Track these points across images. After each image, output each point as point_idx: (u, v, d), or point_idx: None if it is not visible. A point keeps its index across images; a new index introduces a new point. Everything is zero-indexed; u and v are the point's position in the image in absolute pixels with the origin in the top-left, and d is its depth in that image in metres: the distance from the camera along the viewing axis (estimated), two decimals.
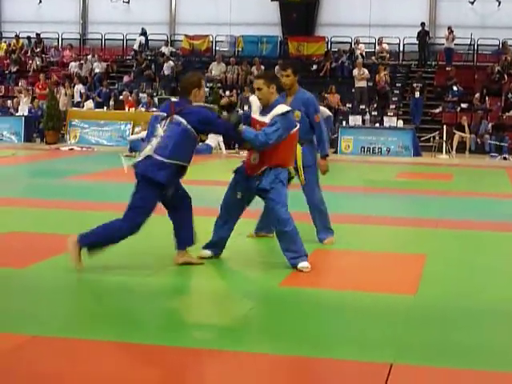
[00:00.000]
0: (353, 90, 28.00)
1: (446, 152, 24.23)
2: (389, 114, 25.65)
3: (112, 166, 17.89)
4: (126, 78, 30.25)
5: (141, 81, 29.98)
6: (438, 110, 27.54)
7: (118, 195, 12.62)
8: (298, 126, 7.75)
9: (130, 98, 26.64)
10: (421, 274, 7.57)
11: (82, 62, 31.38)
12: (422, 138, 24.93)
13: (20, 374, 4.73)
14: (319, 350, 5.28)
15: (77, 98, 28.05)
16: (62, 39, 34.56)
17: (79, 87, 28.42)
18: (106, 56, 32.87)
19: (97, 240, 7.24)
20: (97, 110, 26.53)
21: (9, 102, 28.20)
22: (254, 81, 7.80)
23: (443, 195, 14.08)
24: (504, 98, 27.13)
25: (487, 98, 27.36)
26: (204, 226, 8.02)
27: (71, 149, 23.14)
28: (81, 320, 5.89)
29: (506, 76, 27.95)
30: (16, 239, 8.94)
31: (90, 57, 31.76)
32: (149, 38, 33.12)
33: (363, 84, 27.74)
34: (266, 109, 7.59)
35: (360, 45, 30.68)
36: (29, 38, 34.04)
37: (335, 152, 24.08)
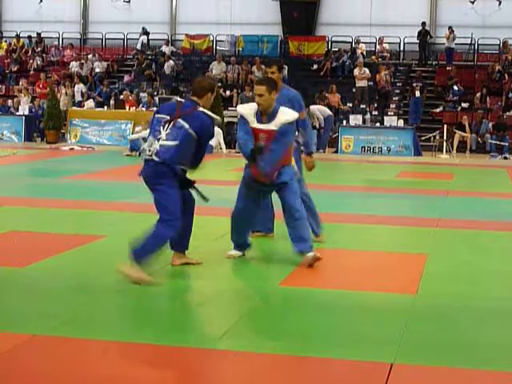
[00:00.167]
0: (353, 90, 28.01)
1: (446, 151, 24.22)
2: (389, 113, 25.64)
3: (112, 166, 17.91)
4: (126, 78, 30.27)
5: (141, 80, 29.98)
6: (438, 110, 27.55)
7: (119, 195, 12.66)
8: None
9: (130, 97, 26.63)
10: (421, 273, 7.56)
11: (82, 61, 31.39)
12: (423, 138, 24.93)
13: (20, 374, 4.72)
14: (319, 349, 5.27)
15: (77, 98, 28.04)
16: (62, 38, 34.57)
17: (80, 87, 28.41)
18: (106, 55, 32.87)
19: (151, 253, 7.00)
20: (97, 109, 26.52)
21: (9, 101, 28.19)
22: (255, 86, 7.72)
23: (444, 195, 14.06)
24: (504, 98, 27.13)
25: (488, 98, 27.35)
26: (204, 226, 8.01)
27: (72, 148, 23.13)
28: (81, 319, 5.88)
29: (506, 75, 27.96)
30: (16, 238, 8.93)
31: (90, 56, 31.78)
32: (149, 37, 33.12)
33: (364, 83, 27.76)
34: (266, 115, 7.58)
35: (360, 44, 30.70)
36: (29, 37, 34.05)
37: (336, 151, 24.09)
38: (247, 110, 7.76)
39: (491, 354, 5.29)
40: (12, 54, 33.17)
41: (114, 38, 33.77)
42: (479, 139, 25.34)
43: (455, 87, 27.81)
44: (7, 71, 32.44)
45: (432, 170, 20.07)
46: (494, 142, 24.89)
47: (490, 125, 25.57)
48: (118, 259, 7.82)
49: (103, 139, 25.00)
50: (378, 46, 31.01)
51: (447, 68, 29.33)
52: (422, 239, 9.73)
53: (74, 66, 31.10)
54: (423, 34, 30.06)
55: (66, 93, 27.57)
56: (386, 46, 30.90)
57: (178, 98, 7.49)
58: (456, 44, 29.93)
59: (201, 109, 7.12)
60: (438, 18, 32.82)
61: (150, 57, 31.86)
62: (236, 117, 23.59)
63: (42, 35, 34.01)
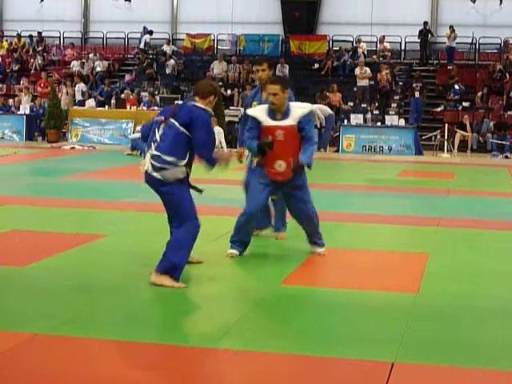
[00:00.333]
0: (354, 89, 27.99)
1: (447, 151, 24.21)
2: (390, 112, 25.63)
3: (113, 165, 17.91)
4: (127, 77, 30.26)
5: (142, 79, 29.98)
6: (439, 109, 27.54)
7: (120, 194, 12.66)
8: None
9: (131, 96, 26.63)
10: (422, 272, 7.56)
11: (83, 60, 31.39)
12: (424, 137, 24.91)
13: (21, 373, 4.73)
14: (320, 348, 5.27)
15: (78, 97, 28.04)
16: (63, 38, 34.57)
17: (80, 86, 28.41)
18: (107, 55, 32.85)
19: (175, 261, 6.86)
20: (98, 108, 26.51)
21: (10, 100, 28.19)
22: (269, 86, 7.75)
23: (445, 194, 14.06)
24: (506, 97, 27.12)
25: (489, 97, 27.35)
26: (205, 225, 7.99)
27: (73, 147, 23.12)
28: (81, 319, 5.89)
29: (507, 75, 27.94)
30: (17, 238, 8.93)
31: (91, 55, 31.78)
32: (144, 36, 33.10)
33: (365, 83, 27.74)
34: (280, 112, 7.64)
35: (362, 43, 30.68)
36: (30, 36, 34.05)
37: (337, 151, 24.08)
38: (258, 111, 7.81)
39: (492, 353, 5.29)
40: (13, 54, 33.17)
41: (115, 38, 33.77)
42: (480, 138, 25.32)
43: (456, 86, 27.80)
44: (8, 70, 32.45)
45: (433, 169, 20.05)
46: (495, 141, 24.88)
47: (491, 124, 25.56)
48: (118, 258, 7.84)
49: (104, 138, 24.99)
50: (379, 45, 31.00)
51: (448, 67, 29.31)
52: (423, 238, 9.73)
53: (75, 66, 31.09)
54: (424, 33, 30.05)
55: (67, 92, 27.57)
56: (387, 45, 30.88)
57: (178, 102, 7.46)
58: (457, 43, 29.91)
59: (192, 103, 7.03)
60: (439, 17, 32.81)
61: (151, 56, 31.85)
62: (237, 116, 23.63)
63: (43, 34, 34.01)
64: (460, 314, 6.26)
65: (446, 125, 24.73)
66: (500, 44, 30.37)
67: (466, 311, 6.35)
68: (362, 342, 5.44)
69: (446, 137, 24.38)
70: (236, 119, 23.41)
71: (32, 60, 32.55)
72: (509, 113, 26.18)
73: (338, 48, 31.07)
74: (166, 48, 31.82)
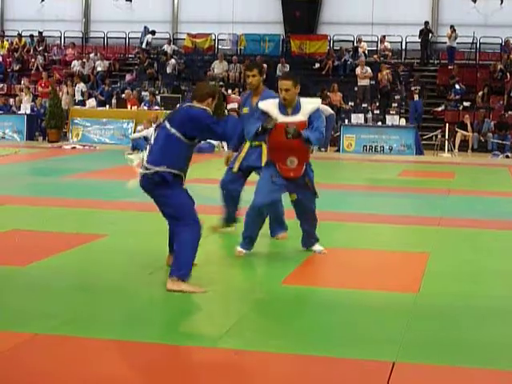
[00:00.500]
0: (355, 89, 27.99)
1: (448, 150, 24.21)
2: (391, 112, 25.62)
3: (114, 165, 17.90)
4: (128, 77, 30.26)
5: (143, 79, 29.98)
6: (440, 109, 27.53)
7: (120, 193, 12.64)
8: None
9: (132, 96, 26.63)
10: (423, 272, 7.56)
11: (84, 60, 31.40)
12: (425, 137, 24.91)
13: (21, 372, 4.72)
14: (321, 348, 5.27)
15: (78, 97, 28.04)
16: (64, 37, 34.57)
17: (80, 86, 28.41)
18: (108, 54, 32.86)
19: (188, 262, 6.78)
20: (99, 108, 26.53)
21: (11, 100, 28.19)
22: (281, 81, 7.74)
23: (445, 193, 14.05)
24: (506, 97, 27.11)
25: (490, 97, 27.34)
26: (206, 225, 7.99)
27: (73, 147, 23.13)
28: (82, 319, 5.88)
29: (508, 74, 27.94)
30: (17, 237, 8.93)
31: (92, 55, 31.79)
32: (146, 36, 33.12)
33: (366, 82, 27.75)
34: (289, 108, 7.69)
35: (362, 43, 30.68)
36: (31, 36, 34.05)
37: (337, 150, 24.08)
38: (269, 105, 7.79)
39: (493, 352, 5.29)
40: (14, 53, 33.18)
41: (116, 37, 33.78)
42: (481, 138, 25.32)
43: (457, 86, 27.79)
44: (9, 70, 32.46)
45: (434, 168, 20.06)
46: (495, 140, 24.88)
47: (492, 124, 25.55)
48: (119, 258, 7.84)
49: (105, 138, 25.00)
50: (379, 45, 30.99)
51: (449, 67, 29.30)
52: (423, 238, 9.73)
53: (75, 65, 31.10)
54: (425, 33, 30.04)
55: (68, 92, 27.58)
56: (387, 44, 30.88)
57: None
58: (458, 43, 29.91)
59: (188, 104, 6.96)
60: (439, 16, 32.80)
61: (152, 56, 31.86)
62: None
63: (44, 34, 34.01)
64: (461, 314, 6.26)
65: (447, 124, 24.74)
66: (501, 44, 30.36)
67: (467, 311, 6.35)
68: (362, 341, 5.44)
69: (446, 136, 24.38)
70: None
71: (33, 60, 32.55)
72: (509, 112, 26.17)
73: (338, 48, 31.08)
74: (167, 48, 31.83)
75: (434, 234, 9.86)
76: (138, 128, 22.79)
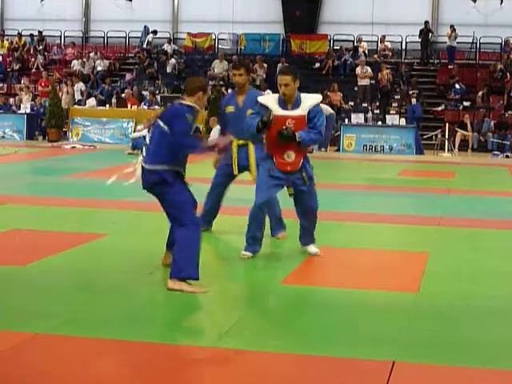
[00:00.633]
0: (355, 88, 27.98)
1: (448, 150, 24.21)
2: (391, 112, 25.63)
3: (114, 164, 17.89)
4: (128, 76, 30.26)
5: (143, 78, 29.97)
6: (440, 108, 27.53)
7: (121, 193, 12.64)
8: None
9: (132, 94, 26.62)
10: (423, 272, 7.56)
11: (84, 59, 31.39)
12: (425, 136, 24.91)
13: (21, 372, 4.73)
14: (321, 348, 5.27)
15: (77, 97, 28.03)
16: (64, 37, 34.56)
17: (79, 85, 28.41)
18: (108, 54, 32.85)
19: (187, 263, 6.68)
20: (99, 107, 26.53)
21: (11, 99, 28.20)
22: (281, 77, 7.76)
23: (445, 193, 14.06)
24: (506, 97, 27.10)
25: (490, 97, 27.33)
26: None
27: (73, 147, 23.13)
28: (82, 318, 5.89)
29: (508, 74, 27.94)
30: (17, 237, 8.93)
31: (92, 54, 31.78)
32: (148, 35, 33.12)
33: (366, 82, 27.74)
34: (289, 102, 7.68)
35: (362, 43, 30.67)
36: (31, 35, 34.05)
37: (337, 150, 24.08)
38: (269, 99, 7.86)
39: (492, 352, 5.29)
40: (14, 53, 33.17)
41: (116, 37, 33.78)
42: (481, 138, 25.32)
43: (457, 86, 27.79)
44: (9, 69, 32.45)
45: (434, 168, 20.06)
46: (495, 140, 24.88)
47: (492, 123, 25.56)
48: (119, 257, 7.84)
49: (105, 137, 25.00)
50: (379, 45, 30.98)
51: (449, 67, 29.30)
52: (423, 238, 9.73)
53: (75, 65, 31.10)
54: (425, 33, 30.03)
55: (68, 91, 27.58)
56: (387, 44, 30.87)
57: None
58: (458, 43, 29.91)
59: (178, 101, 7.02)
60: (439, 16, 32.80)
61: (152, 55, 31.85)
62: None
63: (44, 33, 34.01)
64: (460, 314, 6.26)
65: (447, 124, 24.74)
66: (501, 43, 30.36)
67: (467, 311, 6.36)
68: (362, 341, 5.44)
69: (446, 136, 24.38)
70: None
71: (33, 59, 32.55)
72: (509, 112, 26.18)
73: (338, 47, 31.07)
74: (167, 47, 31.82)
75: (433, 234, 9.86)
76: (138, 127, 22.78)
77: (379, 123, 24.75)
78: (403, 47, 31.58)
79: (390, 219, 10.93)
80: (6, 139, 25.19)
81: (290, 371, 4.94)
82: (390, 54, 30.79)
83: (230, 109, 8.90)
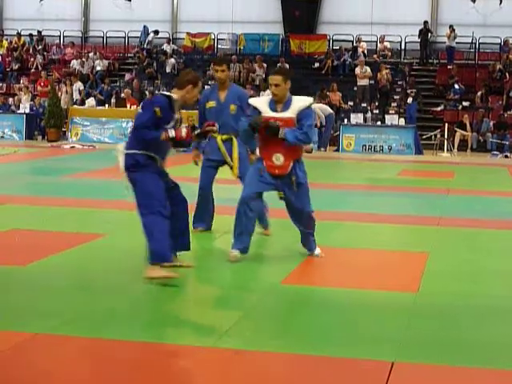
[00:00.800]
0: (354, 88, 27.99)
1: (447, 150, 24.22)
2: (390, 112, 25.63)
3: (113, 164, 17.89)
4: (127, 76, 30.26)
5: (142, 78, 29.97)
6: (439, 108, 27.54)
7: (120, 193, 12.65)
8: None
9: (131, 95, 26.62)
10: (423, 271, 7.56)
11: (83, 59, 31.39)
12: (424, 136, 24.92)
13: (21, 372, 4.72)
14: (320, 347, 5.27)
15: (76, 96, 28.03)
16: (63, 37, 34.57)
17: (78, 85, 28.40)
18: (107, 54, 32.86)
19: (157, 249, 6.82)
20: (98, 107, 26.52)
21: (10, 99, 28.20)
22: (271, 77, 7.73)
23: (445, 193, 14.06)
24: (505, 97, 27.12)
25: (489, 97, 27.34)
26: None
27: (72, 147, 23.13)
28: (82, 318, 5.89)
29: (507, 74, 27.96)
30: (17, 237, 8.93)
31: (91, 54, 31.78)
32: (151, 35, 33.13)
33: (365, 82, 27.75)
34: (279, 104, 7.61)
35: (362, 43, 30.69)
36: (30, 35, 34.05)
37: (337, 150, 24.08)
38: (259, 101, 7.85)
39: (492, 352, 5.29)
40: (13, 53, 33.18)
41: (115, 37, 33.79)
42: (480, 138, 25.34)
43: (456, 86, 27.80)
44: (8, 69, 32.45)
45: (433, 168, 20.06)
46: (494, 140, 24.90)
47: (491, 123, 25.57)
48: (119, 257, 7.84)
49: (104, 137, 24.99)
50: (379, 45, 31.00)
51: (448, 67, 29.32)
52: (423, 238, 9.73)
53: (75, 65, 31.10)
54: (424, 33, 30.04)
55: (67, 91, 27.58)
56: (387, 44, 30.89)
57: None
58: (457, 43, 29.93)
59: (160, 92, 7.17)
60: (439, 16, 32.82)
61: (152, 55, 31.85)
62: None
63: (43, 33, 34.02)
64: (460, 314, 6.26)
65: (446, 124, 24.75)
66: (500, 44, 30.39)
67: (466, 310, 6.36)
68: (361, 341, 5.44)
69: (445, 136, 24.39)
70: None
71: (32, 59, 32.56)
72: (508, 112, 26.21)
73: (338, 47, 31.08)
74: (167, 47, 31.83)
75: (433, 234, 9.86)
76: None
77: (378, 123, 24.75)
78: (402, 47, 31.60)
79: (390, 219, 10.93)
80: (5, 139, 25.19)
81: (290, 371, 4.94)
82: (390, 54, 30.80)
83: (212, 104, 9.02)
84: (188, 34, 32.78)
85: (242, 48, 32.12)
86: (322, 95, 25.81)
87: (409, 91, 27.04)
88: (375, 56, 30.30)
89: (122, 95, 27.06)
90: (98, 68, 30.93)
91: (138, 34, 33.21)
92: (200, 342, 5.34)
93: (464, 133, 25.02)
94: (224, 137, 8.89)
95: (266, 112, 7.61)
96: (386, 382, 4.65)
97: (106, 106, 26.61)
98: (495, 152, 24.24)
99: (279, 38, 32.33)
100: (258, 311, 6.31)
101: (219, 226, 9.30)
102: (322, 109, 23.94)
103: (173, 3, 35.25)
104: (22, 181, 14.73)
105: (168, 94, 7.01)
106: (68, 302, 6.36)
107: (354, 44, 31.19)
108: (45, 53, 33.12)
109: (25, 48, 33.56)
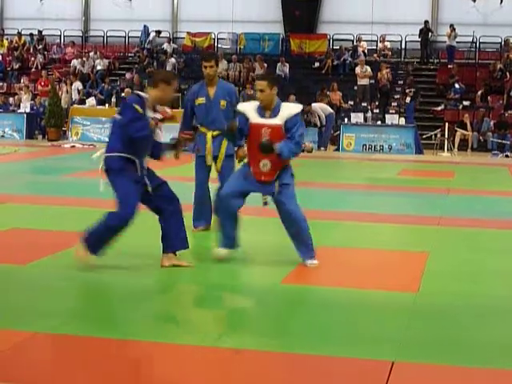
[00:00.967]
0: (355, 88, 27.99)
1: (447, 150, 24.21)
2: (391, 111, 25.63)
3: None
4: (128, 75, 30.25)
5: (143, 78, 29.93)
6: (439, 108, 27.53)
7: None
8: None
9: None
10: (423, 271, 7.56)
11: (84, 59, 31.38)
12: (424, 136, 24.91)
13: (21, 371, 4.72)
14: (320, 347, 5.27)
15: (75, 96, 28.02)
16: (64, 36, 34.57)
17: (77, 84, 28.40)
18: (107, 53, 32.86)
19: (99, 240, 7.20)
20: (99, 107, 26.51)
21: (11, 98, 28.20)
22: (256, 82, 7.66)
23: (445, 193, 14.06)
24: (506, 96, 27.11)
25: (489, 96, 27.34)
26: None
27: (73, 146, 23.13)
28: (82, 317, 5.89)
29: (508, 74, 27.94)
30: (17, 236, 8.94)
31: (92, 54, 31.77)
32: (151, 34, 33.10)
33: (365, 82, 27.74)
34: (269, 110, 7.48)
35: (362, 42, 30.68)
36: (31, 34, 34.05)
37: (337, 149, 24.07)
38: (247, 106, 7.70)
39: (492, 352, 5.29)
40: (14, 52, 33.17)
41: (116, 36, 33.78)
42: (480, 137, 25.32)
43: (456, 85, 27.78)
44: (9, 69, 32.45)
45: (433, 168, 20.06)
46: (495, 140, 24.88)
47: (492, 123, 25.56)
48: (119, 257, 7.83)
49: (104, 137, 24.90)
50: (379, 44, 30.99)
51: (448, 66, 29.31)
52: (423, 237, 9.73)
53: (75, 64, 31.10)
54: (425, 32, 30.04)
55: (67, 90, 27.57)
56: (387, 44, 30.88)
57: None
58: (457, 42, 29.92)
59: (135, 92, 7.27)
60: (439, 16, 32.82)
61: (153, 55, 31.84)
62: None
63: (44, 33, 34.01)
64: (460, 313, 6.26)
65: (447, 124, 24.74)
66: (500, 43, 30.38)
67: (467, 310, 6.35)
68: (362, 341, 5.44)
69: (446, 136, 24.38)
70: None
71: (32, 58, 32.55)
72: (509, 112, 26.18)
73: (338, 47, 31.08)
74: (167, 46, 31.82)
75: (433, 234, 9.86)
76: None
77: (379, 123, 24.74)
78: (403, 47, 31.59)
79: (390, 219, 10.93)
80: (5, 138, 25.19)
81: (290, 371, 4.94)
82: (390, 53, 30.79)
83: (201, 100, 9.05)
84: (188, 33, 32.78)
85: (242, 47, 32.11)
86: (322, 95, 25.80)
87: (407, 90, 27.03)
88: (375, 55, 30.30)
89: (123, 94, 27.05)
90: (99, 67, 30.93)
91: (139, 34, 33.20)
92: (200, 342, 5.33)
93: (464, 132, 25.01)
94: (214, 133, 8.94)
95: (254, 118, 7.48)
96: (386, 381, 4.65)
97: (107, 105, 26.61)
98: (496, 152, 24.23)
99: (279, 37, 32.33)
100: (258, 311, 6.31)
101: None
102: (322, 108, 23.95)
103: (173, 3, 35.25)
104: (22, 180, 14.74)
105: (139, 93, 7.14)
106: (68, 301, 6.36)
107: (355, 43, 31.18)
108: (45, 52, 33.11)
109: (25, 47, 33.55)
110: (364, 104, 26.62)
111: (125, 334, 5.49)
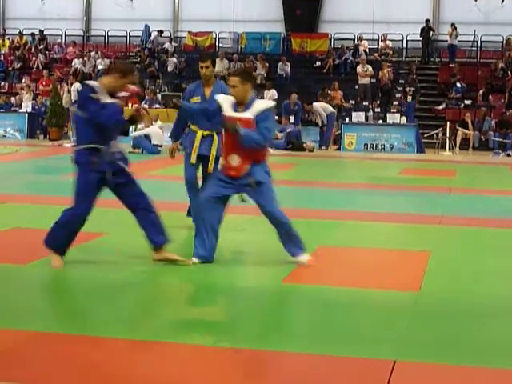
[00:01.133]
0: (356, 87, 27.98)
1: (449, 149, 24.20)
2: (392, 110, 25.62)
3: None
4: None
5: (144, 77, 29.96)
6: (441, 107, 27.52)
7: None
8: None
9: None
10: (424, 270, 7.55)
11: (85, 58, 31.39)
12: (426, 135, 24.90)
13: (21, 371, 4.72)
14: (321, 346, 5.26)
15: (74, 97, 27.95)
16: (65, 36, 34.59)
17: (76, 85, 28.34)
18: (109, 53, 32.87)
19: (54, 239, 7.43)
20: None
21: (12, 98, 28.22)
22: (230, 78, 7.69)
23: (446, 192, 14.05)
24: (507, 95, 27.09)
25: (490, 95, 27.32)
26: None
27: (74, 145, 23.12)
28: (82, 317, 5.88)
29: (509, 73, 27.93)
30: (18, 236, 8.93)
31: (93, 53, 31.78)
32: (152, 34, 33.11)
33: (367, 81, 27.74)
34: (241, 105, 7.51)
35: (363, 41, 30.68)
36: (32, 34, 34.06)
37: (338, 149, 24.07)
38: (225, 99, 7.72)
39: (493, 351, 5.28)
40: (15, 52, 33.19)
41: (117, 36, 33.79)
42: (482, 136, 25.31)
43: (458, 84, 27.78)
44: (10, 68, 32.47)
45: (435, 167, 20.04)
46: (496, 139, 24.87)
47: (493, 122, 25.55)
48: (119, 257, 7.83)
49: None
50: (380, 43, 30.98)
51: (450, 65, 29.29)
52: (424, 236, 9.72)
53: (76, 64, 31.11)
54: (426, 31, 30.03)
55: (69, 90, 27.56)
56: (388, 43, 30.87)
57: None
58: (459, 41, 29.92)
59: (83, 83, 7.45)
60: (440, 14, 32.80)
61: (154, 54, 31.84)
62: None
63: (45, 33, 34.02)
64: (461, 313, 6.25)
65: (448, 123, 24.73)
66: (502, 42, 30.37)
67: (468, 309, 6.34)
68: (363, 340, 5.43)
69: (447, 135, 24.37)
70: None
71: (34, 58, 32.57)
72: (511, 111, 26.16)
73: (339, 46, 31.08)
74: (168, 46, 31.82)
75: (434, 233, 9.85)
76: (139, 126, 22.77)
77: (380, 122, 24.72)
78: (404, 46, 31.58)
79: (391, 218, 10.92)
80: (7, 138, 25.21)
81: (291, 370, 4.93)
82: (391, 52, 30.78)
83: (196, 100, 9.08)
84: (189, 32, 32.78)
85: (243, 47, 32.11)
86: (323, 94, 25.79)
87: (407, 89, 27.01)
88: (377, 54, 30.29)
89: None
90: (100, 67, 30.92)
91: (140, 33, 33.21)
92: (200, 341, 5.33)
93: (466, 131, 24.99)
94: (206, 132, 8.91)
95: (227, 111, 7.54)
96: (388, 380, 4.64)
97: None
98: (497, 150, 24.23)
99: (280, 36, 32.32)
100: (259, 310, 6.31)
101: None
102: (323, 107, 23.94)
103: (174, 2, 35.25)
104: (23, 179, 14.73)
105: (88, 82, 7.36)
106: (68, 300, 6.36)
107: (356, 42, 31.17)
108: (47, 52, 33.13)
109: (27, 47, 33.56)
110: (365, 103, 26.61)
111: (125, 333, 5.47)
